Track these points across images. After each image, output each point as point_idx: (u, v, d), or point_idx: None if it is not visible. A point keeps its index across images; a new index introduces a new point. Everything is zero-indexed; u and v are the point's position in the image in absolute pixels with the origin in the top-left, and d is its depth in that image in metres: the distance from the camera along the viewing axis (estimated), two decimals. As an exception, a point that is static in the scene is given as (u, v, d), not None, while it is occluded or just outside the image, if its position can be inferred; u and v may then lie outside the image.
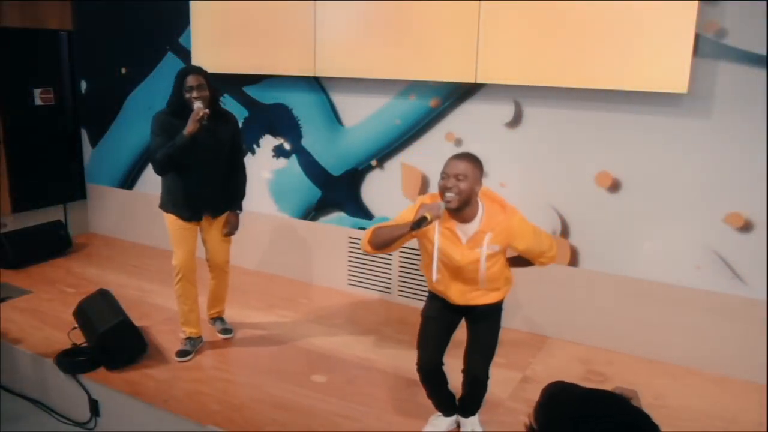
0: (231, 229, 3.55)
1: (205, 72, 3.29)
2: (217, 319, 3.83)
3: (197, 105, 3.14)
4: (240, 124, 4.76)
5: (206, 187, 3.38)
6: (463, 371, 2.71)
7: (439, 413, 2.86)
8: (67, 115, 5.82)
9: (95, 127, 5.71)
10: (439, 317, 2.67)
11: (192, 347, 3.55)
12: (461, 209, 2.42)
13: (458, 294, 2.58)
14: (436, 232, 2.47)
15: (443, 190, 2.40)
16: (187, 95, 3.18)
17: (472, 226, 2.46)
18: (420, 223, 2.34)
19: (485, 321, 2.66)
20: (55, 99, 5.68)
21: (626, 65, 3.27)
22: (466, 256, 2.46)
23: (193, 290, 3.54)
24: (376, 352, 3.60)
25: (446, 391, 2.79)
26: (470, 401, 2.80)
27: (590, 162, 3.58)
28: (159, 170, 3.33)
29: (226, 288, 3.78)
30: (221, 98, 3.48)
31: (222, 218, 3.52)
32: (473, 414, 2.84)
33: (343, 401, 3.07)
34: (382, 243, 2.50)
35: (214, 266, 3.64)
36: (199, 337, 3.63)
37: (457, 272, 2.52)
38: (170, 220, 3.43)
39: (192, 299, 3.55)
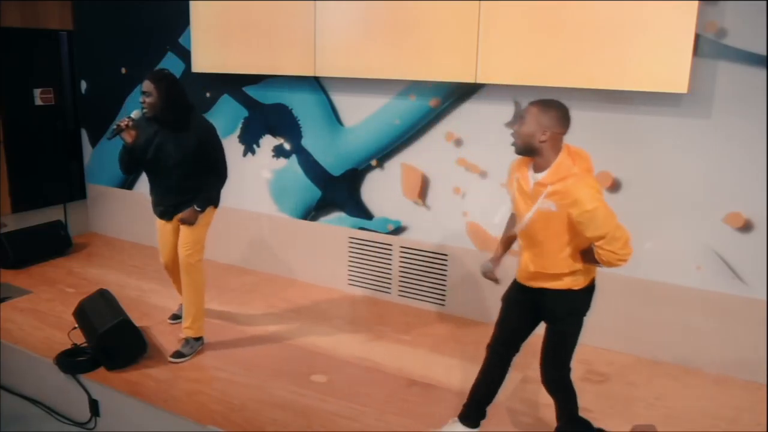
0: (182, 218, 3.41)
1: (162, 77, 3.25)
2: (185, 338, 3.53)
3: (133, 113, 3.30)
4: (240, 124, 4.80)
5: (166, 192, 3.43)
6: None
7: (456, 419, 2.73)
8: (67, 115, 5.83)
9: (95, 127, 5.71)
10: (511, 302, 2.58)
11: (189, 350, 3.51)
12: (527, 154, 2.36)
13: (524, 266, 2.45)
14: (514, 179, 2.44)
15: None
16: (141, 99, 3.26)
17: (538, 177, 2.34)
18: None
19: (555, 321, 2.47)
20: (55, 99, 5.69)
21: (626, 65, 3.27)
22: (525, 209, 2.37)
23: (177, 286, 3.71)
24: (376, 352, 3.60)
25: (486, 389, 2.67)
26: (561, 412, 2.59)
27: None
28: (120, 170, 3.49)
29: (191, 295, 3.50)
30: (190, 107, 3.36)
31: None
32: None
33: (343, 401, 3.07)
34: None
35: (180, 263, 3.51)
36: (198, 339, 3.57)
37: (523, 231, 2.41)
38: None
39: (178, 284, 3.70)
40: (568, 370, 2.54)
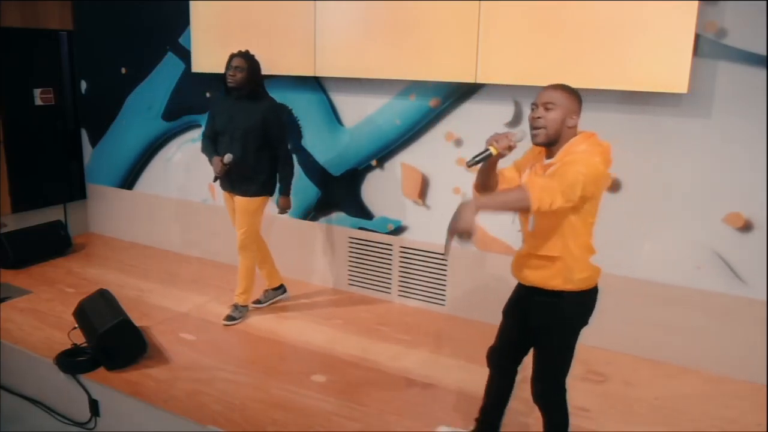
0: (281, 209, 3.92)
1: (251, 56, 3.69)
2: (233, 304, 4.00)
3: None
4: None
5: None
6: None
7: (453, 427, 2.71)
8: (67, 115, 5.83)
9: (95, 127, 5.71)
10: (508, 309, 2.42)
11: (265, 298, 4.18)
12: (551, 145, 2.14)
13: (518, 253, 2.30)
14: (525, 174, 2.22)
15: (530, 122, 2.15)
16: (230, 73, 3.65)
17: (548, 162, 2.16)
18: (480, 156, 2.11)
19: (541, 330, 2.28)
20: (55, 99, 5.68)
21: (626, 65, 3.27)
22: None
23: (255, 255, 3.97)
24: (376, 352, 3.60)
25: (494, 404, 2.57)
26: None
27: (590, 162, 3.57)
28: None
29: (243, 271, 3.93)
30: (262, 83, 3.81)
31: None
32: None
33: (343, 401, 3.07)
34: (480, 185, 2.29)
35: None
36: (276, 288, 4.22)
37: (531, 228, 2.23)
38: None
39: (258, 262, 4.05)
40: (559, 388, 2.34)
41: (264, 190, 3.78)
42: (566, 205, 2.04)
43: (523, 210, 2.06)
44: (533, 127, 2.15)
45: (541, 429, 2.47)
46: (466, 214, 1.98)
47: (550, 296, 2.22)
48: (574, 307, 2.24)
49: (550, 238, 2.18)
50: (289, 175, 3.81)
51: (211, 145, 3.78)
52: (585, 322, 2.29)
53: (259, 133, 3.65)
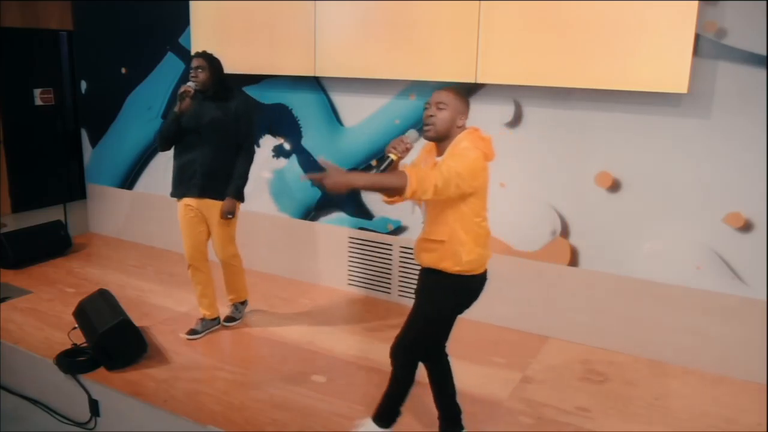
0: (223, 211, 3.54)
1: (210, 55, 3.53)
2: (232, 305, 3.94)
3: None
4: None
5: (196, 165, 3.55)
6: None
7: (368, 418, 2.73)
8: (67, 115, 5.84)
9: (95, 127, 5.72)
10: (416, 292, 2.57)
11: (202, 328, 3.74)
12: (440, 140, 2.38)
13: (416, 242, 2.51)
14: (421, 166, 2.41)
15: (424, 119, 2.37)
16: (192, 74, 3.48)
17: (438, 160, 2.39)
18: (384, 165, 2.32)
19: (420, 293, 2.51)
20: (55, 99, 5.69)
21: (626, 65, 3.27)
22: None
23: (202, 276, 3.70)
24: (376, 352, 3.59)
25: (397, 388, 2.63)
26: (386, 395, 2.64)
27: (590, 162, 3.58)
28: (160, 145, 3.64)
29: (237, 278, 3.86)
30: (229, 82, 3.61)
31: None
32: (385, 425, 2.65)
33: (343, 401, 3.07)
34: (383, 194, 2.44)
35: (219, 259, 3.76)
36: (214, 319, 3.80)
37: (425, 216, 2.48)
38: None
39: (202, 284, 3.72)
40: (408, 349, 2.52)
41: (239, 191, 3.60)
42: (437, 198, 2.24)
43: (396, 193, 2.22)
44: (425, 124, 2.36)
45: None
46: (337, 179, 2.17)
47: (441, 274, 2.42)
48: (458, 288, 2.45)
49: (439, 224, 2.39)
50: (243, 174, 3.55)
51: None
52: (464, 304, 2.50)
53: (230, 131, 3.49)
